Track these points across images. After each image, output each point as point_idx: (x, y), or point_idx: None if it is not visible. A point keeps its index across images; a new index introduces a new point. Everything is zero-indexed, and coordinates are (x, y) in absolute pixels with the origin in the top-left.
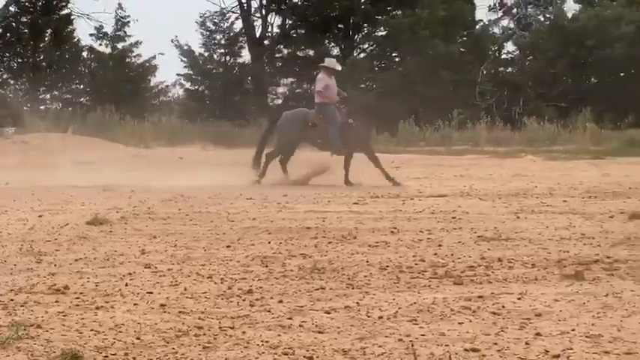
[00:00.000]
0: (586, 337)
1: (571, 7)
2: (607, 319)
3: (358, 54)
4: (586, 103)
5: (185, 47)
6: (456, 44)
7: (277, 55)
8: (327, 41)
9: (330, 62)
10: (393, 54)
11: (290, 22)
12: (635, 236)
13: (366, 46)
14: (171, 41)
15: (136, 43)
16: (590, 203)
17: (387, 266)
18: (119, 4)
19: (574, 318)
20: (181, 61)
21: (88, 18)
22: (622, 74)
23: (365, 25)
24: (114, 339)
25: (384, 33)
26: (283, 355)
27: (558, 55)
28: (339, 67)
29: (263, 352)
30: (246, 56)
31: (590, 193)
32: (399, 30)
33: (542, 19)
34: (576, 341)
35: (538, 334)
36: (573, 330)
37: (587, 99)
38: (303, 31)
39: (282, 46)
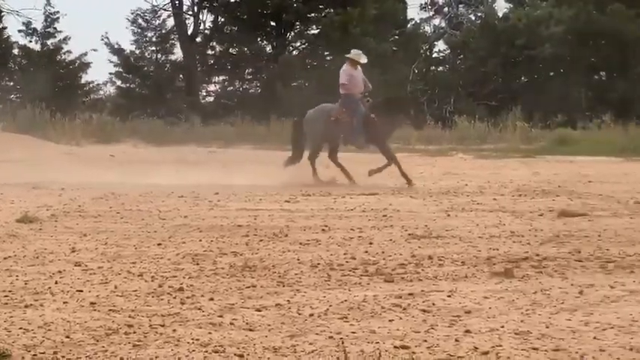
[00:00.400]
0: (515, 333)
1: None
2: (535, 316)
3: (290, 52)
4: (516, 102)
5: (115, 45)
6: (388, 43)
7: (209, 53)
8: (259, 39)
9: (355, 54)
10: (325, 52)
11: (222, 19)
12: (564, 234)
13: (298, 44)
14: (101, 39)
15: (65, 39)
16: (519, 201)
17: (318, 264)
18: (47, 0)
19: (503, 315)
20: (112, 59)
21: (18, 14)
22: (551, 73)
23: (297, 23)
24: (43, 337)
25: (316, 31)
26: (214, 353)
27: (489, 55)
28: (364, 60)
29: (194, 350)
30: (178, 54)
31: (520, 192)
32: (331, 28)
33: (473, 18)
34: (505, 338)
35: (467, 331)
36: (502, 327)
37: (517, 98)
38: (235, 29)
39: (214, 44)
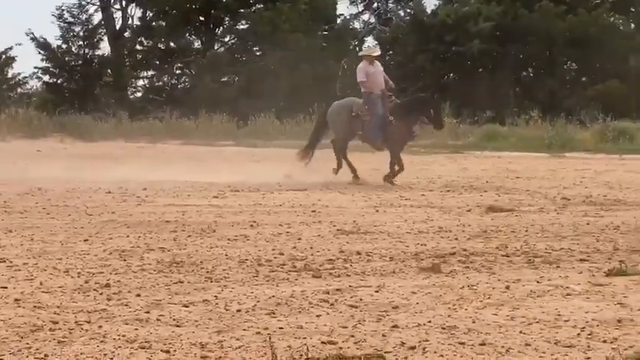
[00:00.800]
0: (442, 328)
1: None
2: (462, 311)
3: (219, 47)
4: (445, 98)
5: (41, 40)
6: (317, 38)
7: (138, 48)
8: (187, 34)
9: (367, 50)
10: (255, 48)
11: (150, 14)
12: (492, 229)
13: (228, 39)
14: (26, 34)
15: None
16: (448, 197)
17: (246, 260)
18: None
19: (430, 310)
20: (39, 53)
21: None
22: (480, 70)
23: (226, 18)
24: None
25: (245, 26)
26: (140, 349)
27: (418, 50)
28: (377, 52)
29: (119, 346)
30: (105, 49)
31: (448, 187)
32: (261, 23)
33: (403, 14)
34: (432, 333)
35: (395, 326)
36: (429, 322)
37: (446, 94)
38: (163, 24)
39: (142, 39)
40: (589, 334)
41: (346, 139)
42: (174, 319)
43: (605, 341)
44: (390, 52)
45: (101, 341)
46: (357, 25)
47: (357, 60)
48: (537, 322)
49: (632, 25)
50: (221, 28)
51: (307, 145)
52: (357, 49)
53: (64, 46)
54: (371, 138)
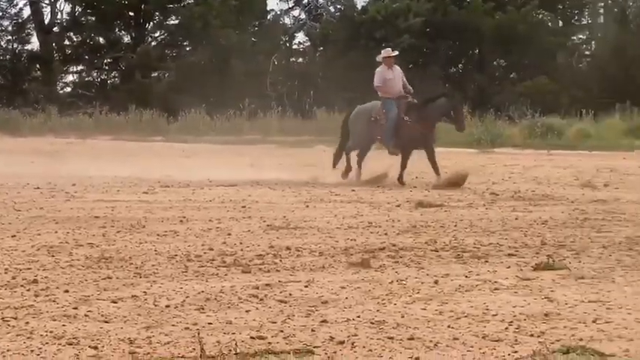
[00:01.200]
0: (371, 323)
1: None
2: (391, 306)
3: (149, 42)
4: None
5: None
6: (248, 34)
7: (67, 43)
8: (117, 29)
9: (384, 52)
10: (185, 43)
11: (80, 9)
12: (421, 224)
13: (158, 34)
14: None
15: None
16: (377, 192)
17: (176, 255)
18: None
19: (359, 305)
20: None
21: None
22: (410, 65)
23: (156, 13)
24: None
25: (175, 22)
26: (68, 346)
27: (348, 46)
28: (393, 53)
29: (47, 343)
30: (34, 43)
31: (377, 183)
32: (191, 19)
33: (333, 10)
34: (361, 327)
35: (324, 321)
36: (359, 317)
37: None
38: (93, 19)
39: (71, 34)
40: (517, 328)
41: (366, 144)
42: (102, 315)
43: (532, 335)
44: (321, 48)
45: (28, 337)
46: (287, 20)
47: (287, 55)
48: (465, 316)
49: (560, 22)
50: (151, 23)
51: (336, 152)
52: (288, 44)
53: None
54: (385, 142)
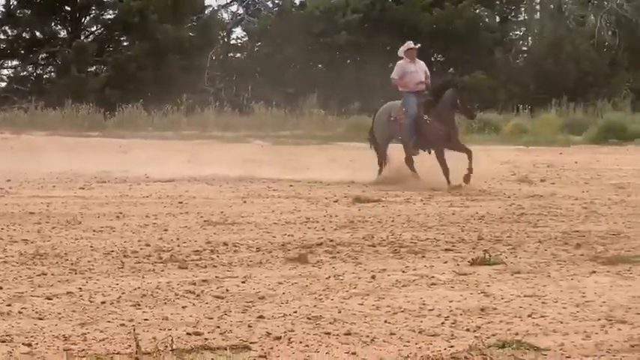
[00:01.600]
0: (307, 318)
1: None
2: (328, 301)
3: (86, 37)
4: (313, 89)
5: None
6: (185, 29)
7: (1, 37)
8: (53, 23)
9: (405, 45)
10: (122, 38)
11: (15, 2)
12: (358, 220)
13: (94, 29)
14: None
15: None
16: (315, 188)
17: (112, 251)
18: None
19: (296, 300)
20: None
21: None
22: (348, 61)
23: (93, 7)
24: None
25: (112, 16)
26: (1, 343)
27: (286, 42)
28: (411, 45)
29: None
30: None
31: (316, 178)
32: (128, 13)
33: (271, 5)
34: (298, 323)
35: (261, 316)
36: (295, 312)
37: (314, 85)
38: (28, 12)
39: (6, 28)
40: (453, 323)
41: (384, 143)
42: (36, 312)
43: (468, 330)
44: (259, 43)
45: None
46: (225, 15)
47: (225, 50)
48: (402, 311)
49: (497, 18)
50: (88, 17)
51: (378, 158)
52: (225, 39)
53: None
54: (404, 141)
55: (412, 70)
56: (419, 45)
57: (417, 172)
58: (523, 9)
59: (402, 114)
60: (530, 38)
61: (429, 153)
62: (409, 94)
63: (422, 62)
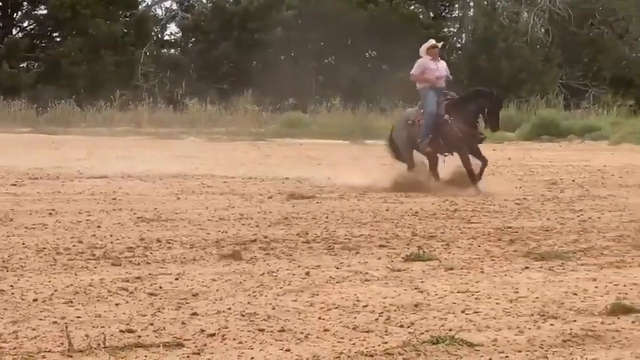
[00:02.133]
0: (241, 315)
1: None
2: (262, 298)
3: (17, 33)
4: (248, 86)
5: None
6: (119, 24)
7: None
8: None
9: (428, 43)
10: (54, 34)
11: None
12: (293, 216)
13: (26, 24)
14: None
15: None
16: (250, 184)
17: (44, 248)
18: None
19: (230, 297)
20: None
21: None
22: (282, 57)
23: (25, 3)
24: None
25: (44, 11)
26: None
27: (221, 37)
28: (433, 42)
29: None
30: None
31: (250, 174)
32: (60, 9)
33: (205, 1)
34: (232, 320)
35: (194, 313)
36: (229, 309)
37: (248, 81)
38: None
39: None
40: (387, 319)
41: (408, 151)
42: None
43: (402, 326)
44: (192, 39)
45: None
46: (159, 11)
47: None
48: (336, 307)
49: (432, 15)
50: (19, 12)
51: (407, 166)
52: (159, 35)
53: None
54: (420, 140)
55: (433, 67)
56: (442, 43)
57: (437, 174)
58: (457, 5)
59: (420, 115)
60: (464, 35)
61: (445, 156)
62: (428, 90)
63: (443, 62)
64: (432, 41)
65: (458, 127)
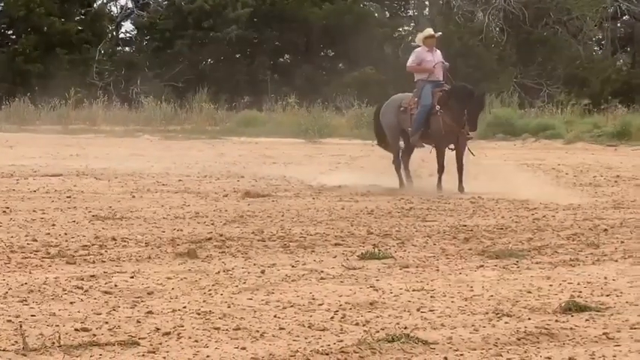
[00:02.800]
0: (197, 314)
1: None
2: (218, 296)
3: None
4: (203, 84)
5: None
6: (73, 22)
7: None
8: None
9: (424, 32)
10: (9, 31)
11: None
12: (248, 214)
13: None
14: None
15: None
16: (205, 182)
17: None
18: None
19: (186, 295)
20: None
21: None
22: (238, 56)
23: None
24: None
25: None
26: None
27: (176, 36)
28: (431, 32)
29: None
30: None
31: (205, 173)
32: (15, 6)
33: None
34: (187, 318)
35: (150, 312)
36: (185, 307)
37: (204, 79)
38: None
39: None
40: (342, 318)
41: (395, 138)
42: None
43: (357, 324)
44: (148, 37)
45: None
46: (114, 9)
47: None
48: (292, 306)
49: (387, 14)
50: None
51: (393, 155)
52: (114, 33)
53: None
54: (411, 132)
55: (429, 59)
56: (440, 33)
57: (409, 172)
58: (412, 4)
59: (414, 104)
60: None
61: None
62: (425, 82)
63: (439, 52)
64: (430, 31)
65: (444, 122)
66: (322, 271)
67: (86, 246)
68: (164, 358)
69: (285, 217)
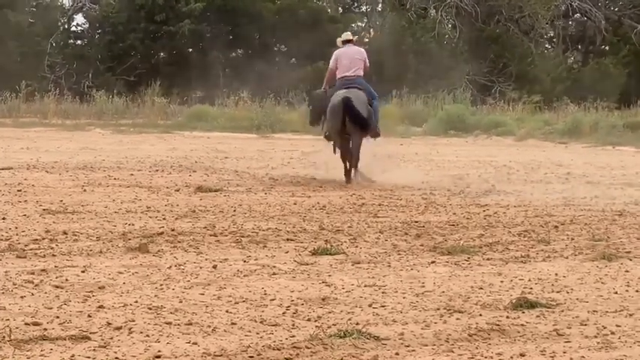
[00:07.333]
0: (148, 308)
1: None
2: (169, 291)
3: None
4: (155, 78)
5: None
6: (25, 14)
7: None
8: None
9: (343, 36)
10: None
11: None
12: (200, 209)
13: None
14: None
15: None
16: (156, 177)
17: None
18: None
19: (137, 290)
20: None
21: None
22: (190, 50)
23: None
24: None
25: None
26: None
27: (129, 29)
28: (342, 37)
29: None
30: None
31: (157, 167)
32: None
33: None
34: (138, 313)
35: (101, 306)
36: (136, 302)
37: (156, 73)
38: None
39: None
40: (294, 313)
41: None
42: None
43: (309, 319)
44: (100, 30)
45: None
46: (66, 2)
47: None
48: (244, 301)
49: (340, 9)
50: None
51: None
52: (66, 26)
53: None
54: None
55: (342, 55)
56: (348, 38)
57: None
58: (365, 0)
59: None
60: (372, 30)
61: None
62: (338, 81)
63: (353, 47)
64: (351, 36)
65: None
66: (274, 267)
67: (37, 240)
68: (115, 352)
69: (237, 212)
